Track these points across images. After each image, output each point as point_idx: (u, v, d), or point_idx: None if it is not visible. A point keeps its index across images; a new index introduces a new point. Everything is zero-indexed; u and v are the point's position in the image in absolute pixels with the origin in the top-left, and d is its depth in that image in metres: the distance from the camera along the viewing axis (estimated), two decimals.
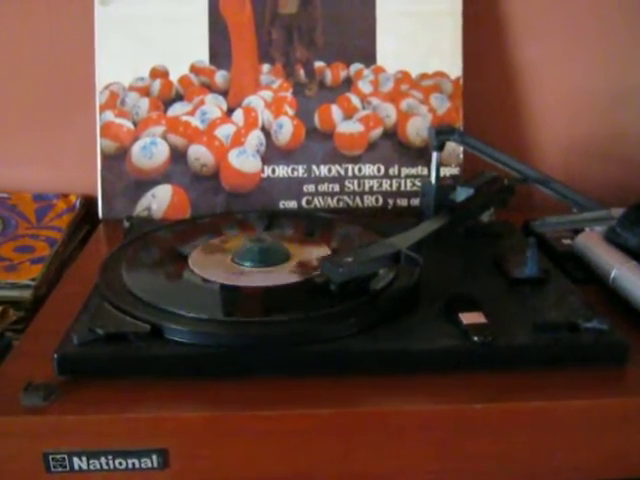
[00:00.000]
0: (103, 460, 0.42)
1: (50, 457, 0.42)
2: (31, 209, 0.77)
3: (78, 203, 0.79)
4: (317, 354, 0.46)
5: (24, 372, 0.45)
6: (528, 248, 0.55)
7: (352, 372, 0.46)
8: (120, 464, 0.42)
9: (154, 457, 0.42)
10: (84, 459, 0.42)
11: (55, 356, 0.44)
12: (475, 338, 0.46)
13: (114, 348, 0.45)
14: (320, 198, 0.75)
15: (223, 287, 0.51)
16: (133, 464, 0.42)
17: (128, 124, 0.74)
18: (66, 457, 0.42)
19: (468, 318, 0.48)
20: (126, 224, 0.68)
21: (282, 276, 0.53)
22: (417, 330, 0.48)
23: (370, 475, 0.45)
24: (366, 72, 0.75)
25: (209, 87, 0.74)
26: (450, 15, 0.75)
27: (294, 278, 0.53)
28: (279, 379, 0.45)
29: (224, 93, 0.75)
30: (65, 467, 0.42)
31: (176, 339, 0.46)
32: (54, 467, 0.42)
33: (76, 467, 0.42)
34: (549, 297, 0.53)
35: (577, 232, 0.65)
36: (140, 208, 0.74)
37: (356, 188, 0.76)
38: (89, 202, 0.79)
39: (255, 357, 0.45)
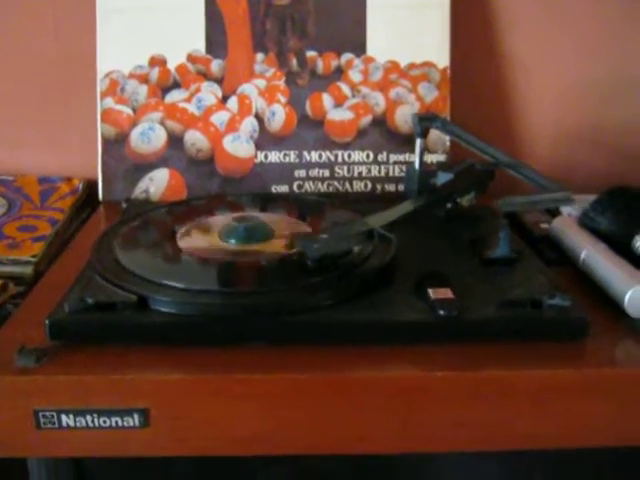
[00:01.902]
0: (89, 418, 0.45)
1: (40, 414, 0.45)
2: (36, 191, 0.81)
3: (81, 186, 0.82)
4: (294, 324, 0.49)
5: (19, 337, 0.48)
6: (500, 229, 0.58)
7: (327, 341, 0.49)
8: (104, 422, 0.45)
9: (136, 416, 0.45)
10: (71, 416, 0.45)
11: (47, 322, 0.48)
12: (441, 312, 0.49)
13: (102, 316, 0.48)
14: (311, 183, 0.78)
15: (206, 261, 0.55)
16: (116, 422, 0.45)
17: (127, 110, 0.77)
18: (55, 414, 0.45)
19: (436, 293, 0.51)
20: (124, 205, 0.72)
21: (264, 253, 0.56)
22: (388, 304, 0.51)
23: (338, 437, 0.48)
24: (356, 62, 0.78)
25: (205, 75, 0.77)
26: (439, 6, 0.78)
27: (275, 255, 0.56)
28: (258, 347, 0.48)
29: (219, 81, 0.77)
30: (54, 424, 0.45)
31: (160, 309, 0.49)
32: (44, 423, 0.45)
33: (64, 424, 0.45)
34: (518, 276, 0.55)
35: (555, 216, 0.68)
36: (138, 191, 0.77)
37: (346, 173, 0.78)
38: (92, 186, 0.82)
39: (234, 326, 0.49)
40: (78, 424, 0.45)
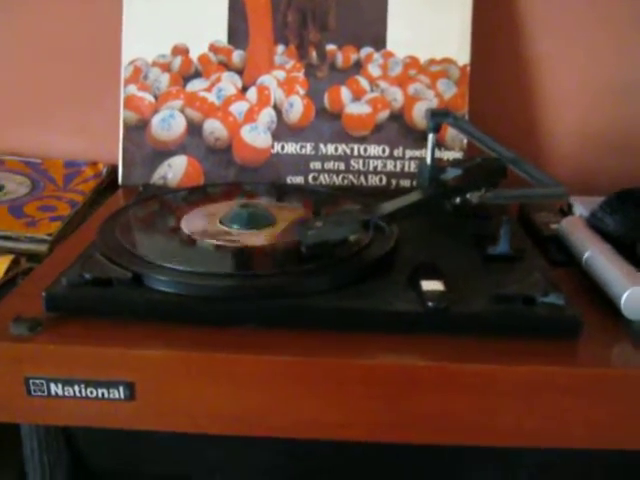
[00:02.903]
0: (76, 388, 0.47)
1: (30, 381, 0.47)
2: (60, 174, 0.83)
3: (105, 171, 0.84)
4: (281, 308, 0.50)
5: (19, 308, 0.50)
6: (502, 225, 0.57)
7: (314, 326, 0.49)
8: (91, 392, 0.47)
9: (121, 389, 0.47)
10: (59, 385, 0.47)
11: (44, 294, 0.49)
12: (430, 304, 0.49)
13: (97, 291, 0.50)
14: (326, 175, 0.79)
15: (202, 244, 0.56)
16: (102, 394, 0.47)
17: (149, 97, 0.78)
18: (44, 382, 0.47)
19: (428, 285, 0.51)
20: (140, 189, 0.73)
21: (262, 238, 0.57)
22: (380, 293, 0.51)
23: (321, 422, 0.48)
24: (376, 56, 0.78)
25: (226, 65, 0.79)
26: (460, 2, 0.77)
27: (272, 240, 0.56)
28: (246, 328, 0.49)
29: (240, 72, 0.79)
30: (43, 392, 0.47)
31: (154, 287, 0.50)
32: (34, 391, 0.47)
33: (52, 392, 0.47)
34: (516, 273, 0.55)
35: (565, 216, 0.67)
36: (157, 176, 0.79)
37: (361, 167, 0.79)
38: (115, 170, 0.83)
39: (222, 307, 0.49)
40: (66, 393, 0.47)
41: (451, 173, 0.66)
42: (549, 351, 0.48)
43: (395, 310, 0.50)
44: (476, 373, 0.47)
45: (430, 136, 0.68)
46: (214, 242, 0.56)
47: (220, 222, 0.59)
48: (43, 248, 0.68)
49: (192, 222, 0.60)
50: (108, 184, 0.83)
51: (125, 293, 0.50)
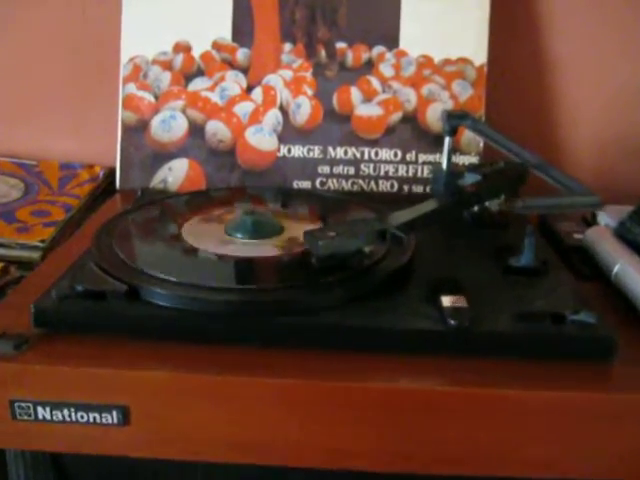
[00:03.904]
0: (66, 412, 0.43)
1: (16, 405, 0.43)
2: (55, 177, 0.79)
3: (102, 174, 0.80)
4: (290, 325, 0.46)
5: (4, 322, 0.46)
6: (526, 237, 0.54)
7: (324, 346, 0.46)
8: (82, 417, 0.43)
9: (115, 413, 0.43)
10: (48, 409, 0.43)
11: (32, 308, 0.45)
12: (451, 321, 0.45)
13: (90, 305, 0.46)
14: (335, 180, 0.75)
15: (204, 255, 0.52)
16: (94, 418, 0.43)
17: (149, 97, 0.75)
18: (31, 406, 0.43)
19: (449, 301, 0.47)
20: (138, 194, 0.69)
21: (269, 249, 0.53)
22: (396, 309, 0.47)
23: (328, 450, 0.44)
24: (388, 55, 0.75)
25: (230, 64, 0.75)
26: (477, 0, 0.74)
27: (280, 251, 0.52)
28: (247, 347, 0.45)
29: (244, 70, 0.75)
30: (30, 416, 0.43)
31: (151, 301, 0.46)
32: (19, 415, 0.43)
33: (40, 417, 0.43)
34: (541, 287, 0.51)
35: (589, 226, 0.63)
36: (156, 180, 0.75)
37: (372, 172, 0.75)
38: (113, 174, 0.80)
39: (225, 324, 0.45)
40: (55, 418, 0.43)
41: (469, 179, 0.62)
42: (581, 374, 0.45)
43: (413, 328, 0.46)
44: (501, 399, 0.43)
45: (447, 140, 0.64)
46: (217, 252, 0.52)
47: (225, 230, 0.55)
48: (36, 256, 0.64)
49: (194, 230, 0.56)
50: (105, 188, 0.80)
51: (120, 307, 0.46)
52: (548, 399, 0.43)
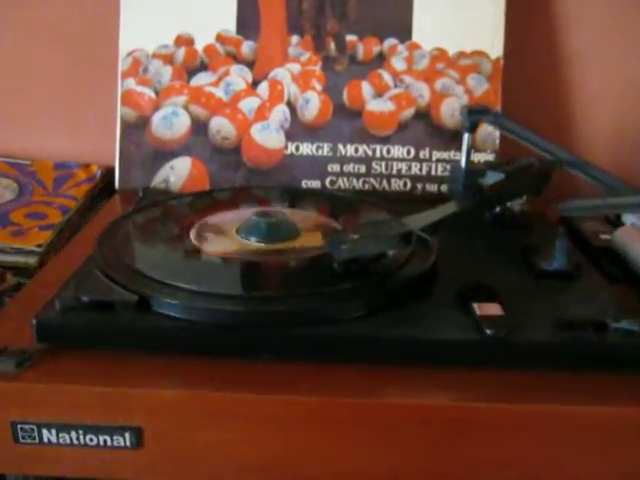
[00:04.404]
0: (73, 434, 0.39)
1: (19, 427, 0.39)
2: (50, 177, 0.76)
3: (99, 173, 0.77)
4: (312, 337, 0.42)
5: (5, 336, 0.43)
6: (557, 239, 0.51)
7: (350, 359, 0.42)
8: (91, 440, 0.39)
9: (127, 435, 0.39)
10: (53, 432, 0.39)
11: (34, 321, 0.42)
12: (488, 331, 0.42)
13: (97, 317, 0.42)
14: (345, 179, 0.72)
15: (220, 261, 0.48)
16: (105, 441, 0.39)
17: (150, 92, 0.72)
18: (35, 428, 0.39)
19: (483, 309, 0.44)
20: (140, 194, 0.66)
21: (286, 253, 0.49)
22: (425, 318, 0.44)
23: (357, 474, 0.41)
24: (400, 48, 0.72)
25: (235, 57, 0.72)
26: None
27: (298, 255, 0.49)
28: (268, 361, 0.42)
29: (250, 64, 0.72)
30: (34, 439, 0.39)
31: (164, 312, 0.43)
32: (22, 438, 0.39)
33: (45, 440, 0.39)
34: (577, 293, 0.48)
35: (616, 226, 0.60)
36: (158, 180, 0.72)
37: (384, 170, 0.72)
38: (111, 173, 0.76)
39: (245, 336, 0.42)
40: (61, 441, 0.40)
41: (491, 178, 0.59)
42: (626, 386, 0.42)
43: (444, 339, 0.43)
44: (543, 414, 0.40)
45: (465, 136, 0.61)
46: (232, 258, 0.48)
47: (237, 233, 0.52)
48: (32, 261, 0.61)
49: (203, 233, 0.53)
50: (102, 188, 0.76)
51: (130, 319, 0.42)
52: (592, 414, 0.40)
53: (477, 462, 0.41)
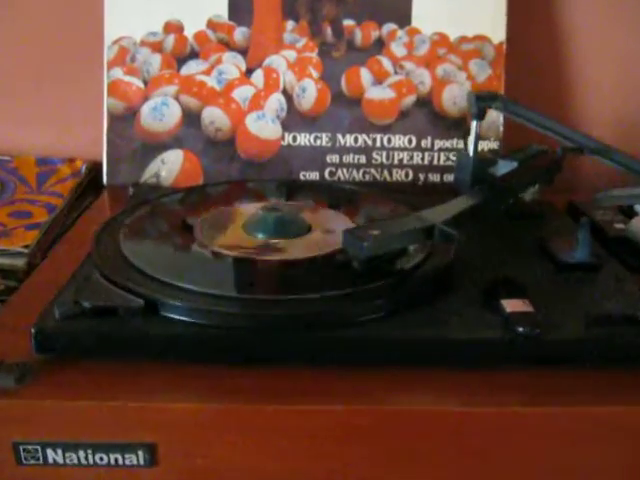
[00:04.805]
0: (81, 454, 0.36)
1: (21, 448, 0.36)
2: (32, 173, 0.72)
3: (84, 168, 0.73)
4: (334, 340, 0.40)
5: None
6: (579, 229, 0.49)
7: (373, 362, 0.40)
8: (101, 459, 0.36)
9: (140, 453, 0.36)
10: (59, 452, 0.36)
11: (33, 331, 0.38)
12: (520, 329, 0.40)
13: (101, 324, 0.39)
14: (345, 170, 0.69)
15: (230, 260, 0.45)
16: (116, 460, 0.36)
17: (138, 82, 0.69)
18: (39, 448, 0.36)
19: (511, 306, 0.42)
20: (131, 190, 0.63)
21: (299, 250, 0.47)
22: (452, 317, 0.42)
23: None
24: (400, 33, 0.69)
25: (227, 44, 0.69)
26: None
27: (312, 253, 0.46)
28: (288, 368, 0.39)
29: (243, 51, 0.69)
30: (38, 459, 0.36)
31: (173, 317, 0.40)
32: (25, 459, 0.36)
33: (50, 460, 0.36)
34: (603, 285, 0.47)
35: (629, 216, 0.59)
36: (148, 174, 0.69)
37: (384, 160, 0.70)
38: (97, 168, 0.73)
39: (262, 341, 0.39)
40: (68, 461, 0.36)
41: (503, 167, 0.56)
42: None
43: (476, 338, 0.40)
44: (586, 418, 0.38)
45: (474, 123, 0.59)
46: (242, 256, 0.45)
47: (243, 229, 0.49)
48: (20, 263, 0.57)
49: (208, 230, 0.50)
50: (88, 184, 0.72)
51: (137, 326, 0.39)
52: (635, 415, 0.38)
53: (514, 474, 0.39)
